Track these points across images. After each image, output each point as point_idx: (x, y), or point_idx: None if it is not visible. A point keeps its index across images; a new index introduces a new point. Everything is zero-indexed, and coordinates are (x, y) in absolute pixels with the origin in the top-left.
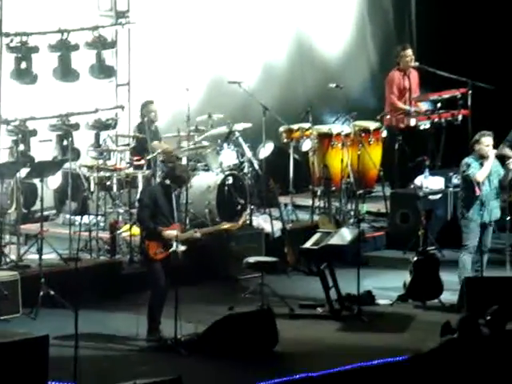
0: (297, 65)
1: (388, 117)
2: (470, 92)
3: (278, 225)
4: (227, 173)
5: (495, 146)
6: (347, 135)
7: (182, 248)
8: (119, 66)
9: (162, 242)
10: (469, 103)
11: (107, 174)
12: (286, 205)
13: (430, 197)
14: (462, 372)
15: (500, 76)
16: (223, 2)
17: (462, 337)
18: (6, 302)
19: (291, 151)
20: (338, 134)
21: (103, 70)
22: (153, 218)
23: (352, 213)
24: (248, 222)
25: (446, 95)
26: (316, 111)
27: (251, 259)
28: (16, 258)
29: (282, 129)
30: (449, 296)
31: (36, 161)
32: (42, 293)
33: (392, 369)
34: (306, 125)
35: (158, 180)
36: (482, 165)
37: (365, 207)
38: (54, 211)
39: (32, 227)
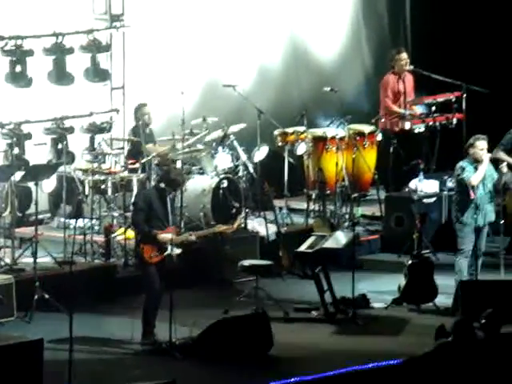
0: (292, 68)
1: (383, 120)
2: (465, 95)
3: (272, 228)
4: (222, 176)
5: (489, 150)
6: (342, 138)
7: (177, 251)
8: (114, 70)
9: (156, 246)
10: (463, 107)
11: (102, 178)
12: (280, 208)
13: (425, 200)
14: (457, 375)
15: (494, 80)
16: (218, 5)
17: (457, 340)
18: (1, 306)
19: (286, 154)
20: (333, 138)
21: (98, 74)
22: (148, 222)
23: (347, 216)
24: (243, 225)
25: (440, 99)
26: (311, 114)
27: (246, 262)
28: (10, 261)
29: (276, 132)
30: (443, 299)
31: (31, 164)
32: (36, 296)
33: (386, 372)
34: (301, 128)
35: (152, 183)
36: (476, 168)
37: (359, 210)
38: (48, 215)
39: (26, 231)
